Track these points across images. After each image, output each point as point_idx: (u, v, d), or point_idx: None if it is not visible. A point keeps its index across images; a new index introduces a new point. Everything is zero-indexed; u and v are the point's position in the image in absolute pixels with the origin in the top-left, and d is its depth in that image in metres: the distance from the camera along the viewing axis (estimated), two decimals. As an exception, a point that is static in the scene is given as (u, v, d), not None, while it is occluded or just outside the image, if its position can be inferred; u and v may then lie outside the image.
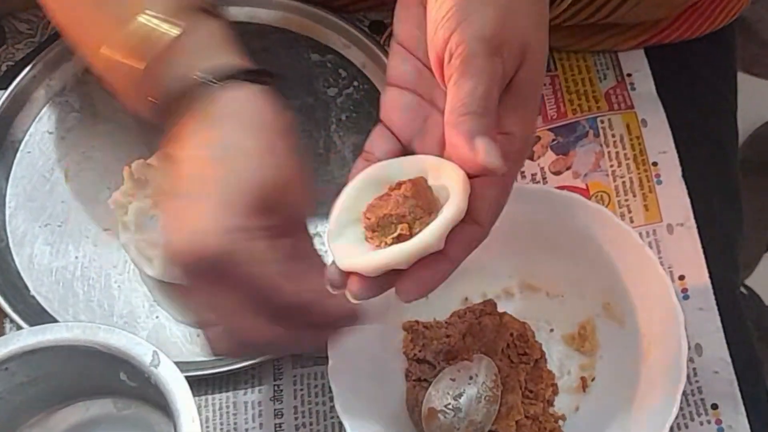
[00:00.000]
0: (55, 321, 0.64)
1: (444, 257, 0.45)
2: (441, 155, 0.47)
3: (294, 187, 0.51)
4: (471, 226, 0.45)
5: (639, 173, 0.67)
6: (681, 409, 0.59)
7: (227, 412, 0.62)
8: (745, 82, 0.80)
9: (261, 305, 0.49)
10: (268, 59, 0.72)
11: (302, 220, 0.53)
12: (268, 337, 0.50)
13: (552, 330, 0.63)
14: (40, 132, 0.71)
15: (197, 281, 0.49)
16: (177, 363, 0.56)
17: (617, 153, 0.68)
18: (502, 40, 0.44)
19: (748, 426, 0.59)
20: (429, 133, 0.49)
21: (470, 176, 0.45)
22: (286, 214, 0.50)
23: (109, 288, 0.66)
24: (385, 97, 0.50)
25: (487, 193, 0.45)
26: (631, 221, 0.65)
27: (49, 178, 0.70)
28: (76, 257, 0.67)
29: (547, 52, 0.48)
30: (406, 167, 0.47)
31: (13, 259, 0.67)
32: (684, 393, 0.56)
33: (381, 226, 0.46)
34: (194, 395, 0.56)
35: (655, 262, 0.58)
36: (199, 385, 0.63)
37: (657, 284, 0.58)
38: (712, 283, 0.63)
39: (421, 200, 0.45)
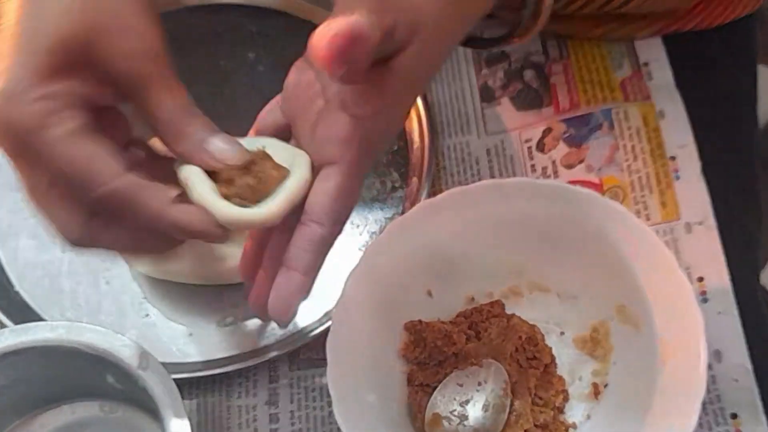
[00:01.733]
0: (40, 318, 0.62)
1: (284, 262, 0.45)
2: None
3: (123, 40, 0.43)
4: (307, 227, 0.44)
5: (656, 168, 0.64)
6: (699, 418, 0.56)
7: (220, 417, 0.60)
8: (759, 72, 0.77)
9: (76, 191, 0.43)
10: (264, 44, 0.70)
11: (137, 87, 0.44)
12: (84, 233, 0.44)
13: (563, 333, 0.60)
14: (26, 118, 0.68)
15: (9, 155, 0.43)
16: (167, 364, 0.55)
17: (633, 146, 0.65)
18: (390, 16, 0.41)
19: (769, 437, 0.57)
20: (306, 117, 0.46)
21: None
22: (108, 75, 0.43)
23: (97, 284, 0.64)
24: (292, 67, 0.48)
25: (322, 187, 0.43)
26: (647, 219, 0.63)
27: (35, 167, 0.67)
28: (63, 251, 0.65)
29: (445, 31, 0.44)
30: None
31: (-4, 253, 0.65)
32: (702, 402, 0.53)
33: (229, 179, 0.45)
34: (185, 398, 0.55)
35: (673, 263, 0.55)
36: (191, 387, 0.60)
37: (676, 286, 0.55)
38: (733, 285, 0.60)
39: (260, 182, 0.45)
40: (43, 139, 0.41)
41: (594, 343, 0.59)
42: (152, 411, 0.53)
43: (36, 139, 0.41)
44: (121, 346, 0.52)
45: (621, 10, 0.66)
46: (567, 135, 0.66)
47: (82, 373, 0.55)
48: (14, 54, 0.41)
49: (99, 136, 0.42)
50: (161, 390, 0.51)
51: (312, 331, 0.60)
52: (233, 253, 0.60)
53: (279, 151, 0.46)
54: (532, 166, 0.66)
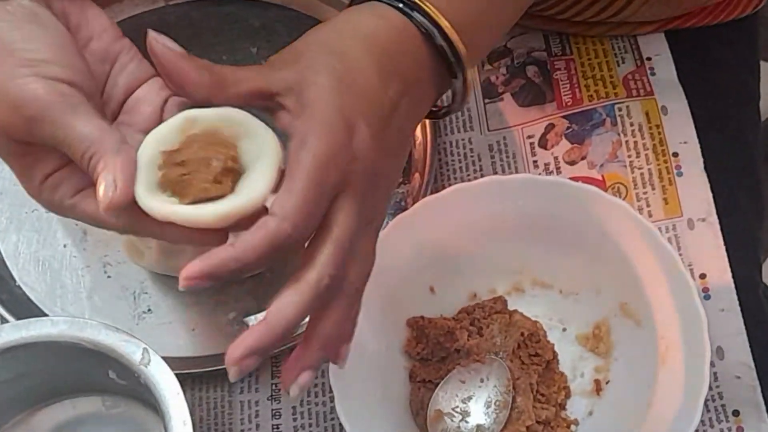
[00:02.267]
0: (42, 312, 0.62)
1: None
2: None
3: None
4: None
5: (658, 164, 0.64)
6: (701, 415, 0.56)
7: (222, 412, 0.60)
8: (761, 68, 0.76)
9: None
10: (266, 38, 0.69)
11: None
12: None
13: (565, 330, 0.60)
14: (27, 112, 0.68)
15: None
16: (170, 359, 0.54)
17: (635, 142, 0.65)
18: None
19: (771, 434, 0.57)
20: None
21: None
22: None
23: (99, 279, 0.63)
24: None
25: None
26: (650, 215, 0.62)
27: (36, 161, 0.67)
28: (65, 245, 0.64)
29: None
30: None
31: (-3, 247, 0.64)
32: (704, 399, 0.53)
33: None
34: (187, 394, 0.53)
35: (676, 260, 0.55)
36: (193, 382, 0.60)
37: (678, 284, 0.55)
38: (735, 282, 0.60)
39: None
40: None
41: (596, 340, 0.59)
42: (154, 407, 0.52)
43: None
44: (123, 342, 0.51)
45: (613, 19, 0.66)
46: (569, 131, 0.66)
47: (84, 369, 0.55)
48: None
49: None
50: (163, 386, 0.50)
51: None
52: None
53: (247, 134, 0.42)
54: (534, 162, 0.66)
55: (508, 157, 0.66)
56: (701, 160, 0.63)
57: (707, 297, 0.60)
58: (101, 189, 0.40)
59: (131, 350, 0.51)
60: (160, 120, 0.44)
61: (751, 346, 0.58)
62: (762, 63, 0.75)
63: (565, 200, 0.58)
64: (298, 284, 0.41)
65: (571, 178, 0.61)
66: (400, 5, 0.45)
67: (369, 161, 0.42)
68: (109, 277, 0.63)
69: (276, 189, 0.41)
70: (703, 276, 0.60)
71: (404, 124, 0.46)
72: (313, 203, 0.40)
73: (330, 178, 0.41)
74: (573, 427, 0.57)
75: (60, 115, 0.41)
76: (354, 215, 0.42)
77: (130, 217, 0.41)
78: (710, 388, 0.57)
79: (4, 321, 0.60)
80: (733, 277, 0.60)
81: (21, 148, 0.42)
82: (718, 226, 0.61)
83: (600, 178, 0.64)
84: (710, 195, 0.62)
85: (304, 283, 0.41)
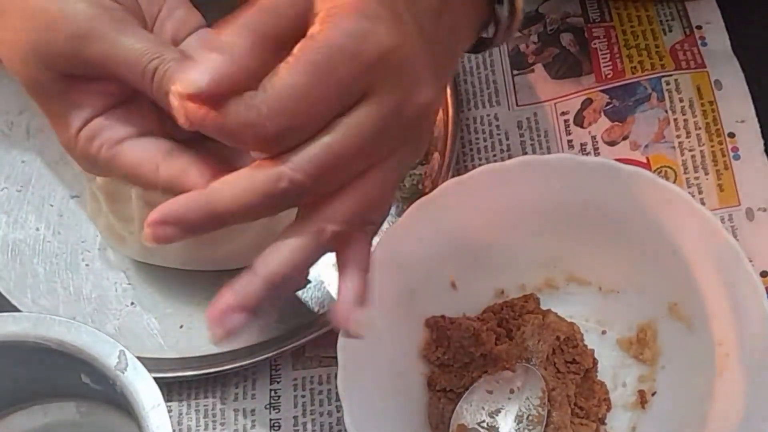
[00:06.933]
0: (10, 305, 0.57)
1: None
2: None
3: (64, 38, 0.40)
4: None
5: (712, 146, 0.59)
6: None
7: (213, 421, 0.54)
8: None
9: None
10: None
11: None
12: None
13: (604, 332, 0.55)
14: (-2, 79, 0.63)
15: None
16: (154, 360, 0.51)
17: (686, 121, 0.60)
18: None
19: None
20: None
21: None
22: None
23: (75, 267, 0.58)
24: None
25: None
26: (702, 204, 0.57)
27: (8, 133, 0.62)
28: (38, 229, 0.60)
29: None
30: None
31: (-38, 230, 0.60)
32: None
33: None
34: (174, 400, 0.50)
35: (740, 256, 0.49)
36: (181, 387, 0.55)
37: (741, 283, 0.49)
38: (801, 281, 0.54)
39: None
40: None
41: (640, 345, 0.54)
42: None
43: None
44: (96, 343, 0.46)
45: None
46: (609, 107, 0.61)
47: (54, 372, 0.49)
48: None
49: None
50: (142, 395, 0.44)
51: (320, 325, 0.54)
52: (231, 236, 0.54)
53: None
54: (569, 141, 0.61)
55: (539, 135, 0.61)
56: (761, 141, 0.58)
57: (770, 298, 0.54)
58: (182, 83, 0.36)
59: (105, 352, 0.46)
60: None
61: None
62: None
63: (610, 185, 0.52)
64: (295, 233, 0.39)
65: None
66: None
67: (418, 62, 0.38)
68: (87, 265, 0.58)
69: None
70: (764, 274, 0.55)
71: (449, 43, 0.42)
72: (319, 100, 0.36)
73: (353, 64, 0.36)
74: (614, 445, 0.51)
75: (108, 29, 0.40)
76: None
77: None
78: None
79: (-32, 314, 0.54)
80: (799, 275, 0.55)
81: (60, 84, 0.41)
82: (782, 217, 0.56)
83: (644, 160, 0.59)
84: (773, 181, 0.57)
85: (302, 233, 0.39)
